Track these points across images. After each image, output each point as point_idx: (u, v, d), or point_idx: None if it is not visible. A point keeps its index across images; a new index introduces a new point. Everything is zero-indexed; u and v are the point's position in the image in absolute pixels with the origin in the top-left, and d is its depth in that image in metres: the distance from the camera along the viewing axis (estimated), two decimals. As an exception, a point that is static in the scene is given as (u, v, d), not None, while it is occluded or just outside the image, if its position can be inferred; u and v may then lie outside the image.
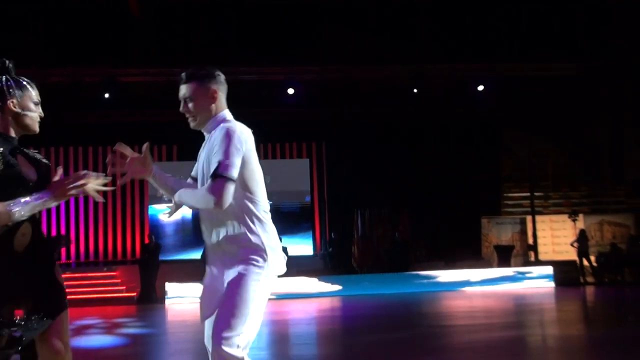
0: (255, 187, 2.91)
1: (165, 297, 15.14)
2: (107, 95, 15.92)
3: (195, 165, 3.09)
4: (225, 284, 2.81)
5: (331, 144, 19.09)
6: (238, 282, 2.76)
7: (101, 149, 18.48)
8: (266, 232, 2.88)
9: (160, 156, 18.89)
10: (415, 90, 16.47)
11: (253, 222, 2.84)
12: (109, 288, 16.20)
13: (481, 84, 16.52)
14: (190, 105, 2.99)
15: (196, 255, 16.00)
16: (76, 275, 16.64)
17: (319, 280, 15.76)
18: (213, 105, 2.98)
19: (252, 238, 2.82)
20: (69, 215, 18.27)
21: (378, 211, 18.37)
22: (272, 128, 18.34)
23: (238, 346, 2.66)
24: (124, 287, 16.28)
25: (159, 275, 15.77)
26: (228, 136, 2.80)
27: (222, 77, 3.04)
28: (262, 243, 2.83)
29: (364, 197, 17.88)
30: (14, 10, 13.55)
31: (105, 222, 18.34)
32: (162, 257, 16.63)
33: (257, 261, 2.81)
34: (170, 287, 15.25)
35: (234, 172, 2.74)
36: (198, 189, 2.89)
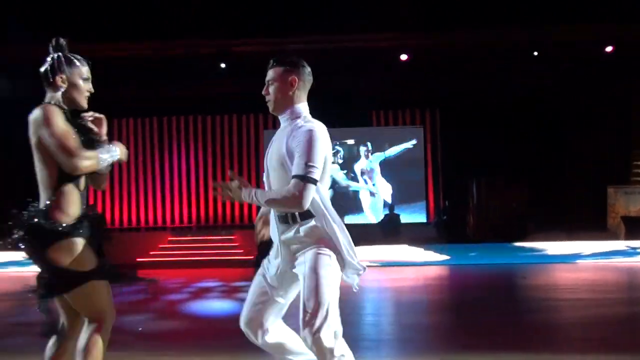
0: (324, 187, 3.01)
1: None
2: (223, 66, 16.39)
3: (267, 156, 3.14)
4: (302, 275, 2.93)
5: (446, 111, 18.65)
6: (317, 272, 2.89)
7: (219, 118, 19.16)
8: (341, 229, 3.04)
9: (275, 124, 19.27)
10: (535, 54, 15.67)
11: (323, 219, 2.95)
12: (228, 251, 16.86)
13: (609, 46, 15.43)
14: (270, 88, 3.11)
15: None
16: (197, 238, 17.51)
17: (426, 249, 15.55)
18: (290, 92, 3.04)
19: (323, 233, 2.95)
20: (189, 181, 19.12)
21: (494, 180, 17.78)
22: (384, 95, 18.21)
23: (335, 333, 2.82)
24: (242, 250, 16.88)
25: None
26: (314, 138, 2.87)
27: (307, 69, 3.12)
28: (336, 239, 2.98)
29: (480, 165, 17.36)
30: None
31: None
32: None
33: (329, 255, 2.94)
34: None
35: (317, 175, 2.84)
36: (280, 190, 2.93)
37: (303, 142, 2.86)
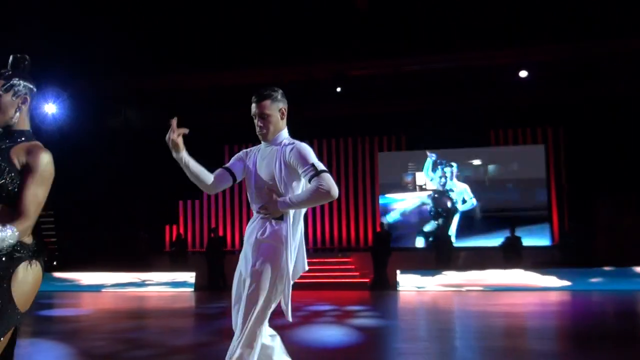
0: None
1: (397, 284, 15.42)
2: (338, 90, 16.60)
3: (245, 167, 3.53)
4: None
5: (570, 128, 17.81)
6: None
7: (334, 140, 19.38)
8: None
9: (389, 146, 19.24)
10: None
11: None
12: (344, 273, 16.90)
13: None
14: (264, 121, 3.45)
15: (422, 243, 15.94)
16: (313, 260, 17.67)
17: (546, 273, 14.81)
18: (282, 121, 3.45)
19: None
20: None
21: (625, 198, 16.65)
22: (503, 113, 17.70)
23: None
24: (358, 273, 16.87)
25: (391, 262, 16.07)
26: (302, 148, 3.31)
27: (283, 96, 3.48)
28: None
29: (608, 182, 16.36)
30: (247, 15, 14.60)
31: (340, 211, 19.16)
32: (394, 245, 16.97)
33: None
34: (403, 275, 15.51)
35: (323, 166, 3.25)
36: (307, 190, 3.26)
37: (298, 156, 3.25)
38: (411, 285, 15.37)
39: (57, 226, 19.89)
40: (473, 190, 18.28)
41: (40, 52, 15.21)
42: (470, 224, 18.11)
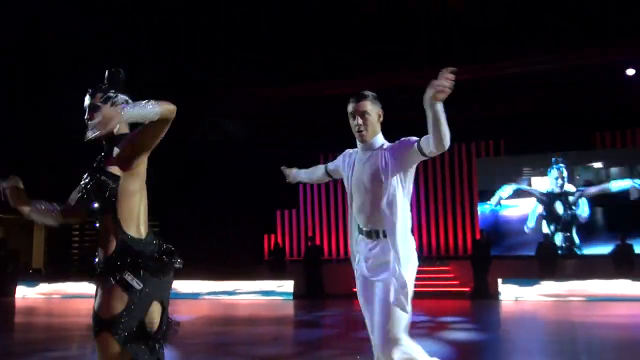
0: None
1: (499, 293, 14.96)
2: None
3: (356, 180, 3.43)
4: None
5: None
6: None
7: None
8: None
9: (487, 151, 18.75)
10: None
11: None
12: (443, 282, 16.58)
13: None
14: (364, 120, 3.42)
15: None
16: (412, 269, 17.46)
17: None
18: (378, 124, 3.45)
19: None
20: (403, 212, 19.21)
21: None
22: (609, 114, 16.86)
23: None
24: (458, 282, 16.50)
25: (493, 271, 15.61)
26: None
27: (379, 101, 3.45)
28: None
29: None
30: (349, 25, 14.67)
31: (437, 218, 18.84)
32: (496, 252, 16.51)
33: None
34: (505, 284, 15.04)
35: None
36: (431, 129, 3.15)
37: (403, 141, 3.32)
38: (513, 295, 14.85)
39: (163, 235, 20.75)
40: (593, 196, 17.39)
41: (142, 66, 15.98)
42: (589, 231, 17.25)
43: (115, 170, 2.72)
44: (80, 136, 2.86)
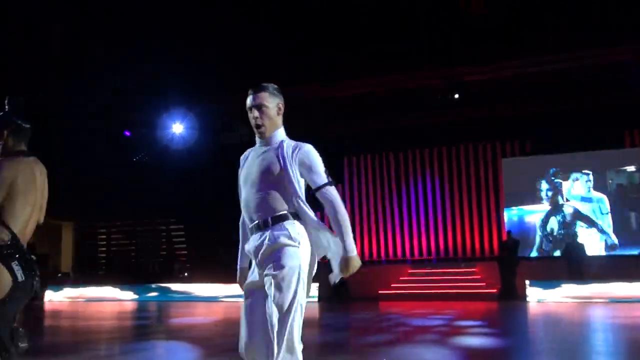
0: None
1: (526, 295, 14.79)
2: (456, 96, 16.29)
3: (245, 175, 3.12)
4: None
5: None
6: None
7: (454, 148, 18.96)
8: None
9: (513, 151, 18.54)
10: None
11: None
12: (469, 284, 16.42)
13: None
14: (261, 113, 3.10)
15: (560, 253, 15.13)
16: (437, 270, 17.37)
17: None
18: (278, 118, 3.14)
19: None
20: (427, 213, 19.09)
21: None
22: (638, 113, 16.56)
23: None
24: (484, 284, 16.33)
25: (520, 272, 15.43)
26: (315, 151, 3.08)
27: (281, 93, 3.17)
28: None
29: None
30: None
31: (462, 219, 18.68)
32: (523, 254, 16.32)
33: None
34: (532, 285, 14.86)
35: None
36: (335, 214, 3.01)
37: (312, 157, 3.03)
38: (541, 296, 14.66)
39: (187, 239, 20.90)
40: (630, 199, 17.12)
41: (166, 73, 16.10)
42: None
43: None
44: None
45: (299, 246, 2.92)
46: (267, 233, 2.93)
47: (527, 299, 14.68)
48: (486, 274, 16.55)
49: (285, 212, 2.97)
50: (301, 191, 3.02)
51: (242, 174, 3.16)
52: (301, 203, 3.00)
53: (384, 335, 9.03)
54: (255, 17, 14.82)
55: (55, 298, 18.70)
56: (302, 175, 3.02)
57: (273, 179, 2.99)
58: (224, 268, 18.45)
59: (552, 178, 17.75)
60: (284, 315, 2.77)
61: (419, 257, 18.92)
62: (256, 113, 3.09)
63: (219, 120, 18.83)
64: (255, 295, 2.95)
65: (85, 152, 20.53)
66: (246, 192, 3.08)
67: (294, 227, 2.95)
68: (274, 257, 2.87)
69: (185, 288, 17.93)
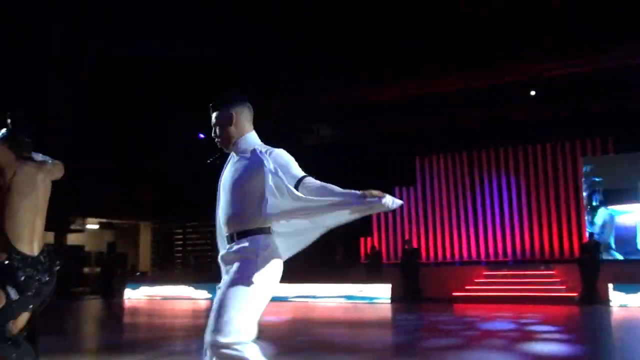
0: None
1: (609, 299, 14.15)
2: (533, 93, 15.81)
3: (222, 183, 3.14)
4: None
5: None
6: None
7: (530, 147, 18.40)
8: None
9: (594, 150, 17.78)
10: None
11: None
12: (548, 287, 15.87)
13: None
14: (215, 128, 3.16)
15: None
16: (514, 272, 16.88)
17: None
18: (232, 127, 3.10)
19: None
20: (503, 213, 18.59)
21: None
22: None
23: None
24: (564, 287, 15.74)
25: (603, 275, 14.78)
26: (287, 153, 3.03)
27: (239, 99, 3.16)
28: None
29: None
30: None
31: (540, 220, 18.08)
32: (606, 257, 15.64)
33: None
34: (615, 289, 14.21)
35: None
36: (324, 185, 2.94)
37: (287, 156, 3.01)
38: (624, 301, 13.99)
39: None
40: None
41: (238, 75, 16.35)
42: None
43: None
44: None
45: (257, 258, 2.96)
46: (234, 245, 3.01)
47: (610, 303, 14.05)
48: (566, 276, 15.93)
49: (248, 227, 3.00)
50: (269, 199, 2.93)
51: (220, 180, 3.19)
52: (268, 211, 2.93)
53: (454, 338, 8.82)
54: (337, 20, 14.86)
55: (133, 296, 19.29)
56: (278, 176, 2.93)
57: (242, 190, 3.01)
58: (293, 269, 18.63)
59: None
60: (223, 300, 2.90)
61: (494, 259, 18.44)
62: (214, 131, 3.17)
63: (298, 120, 18.99)
64: None
65: (164, 154, 21.13)
66: (221, 201, 3.13)
67: (254, 241, 2.98)
68: (233, 267, 2.98)
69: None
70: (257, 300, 2.98)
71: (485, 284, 16.74)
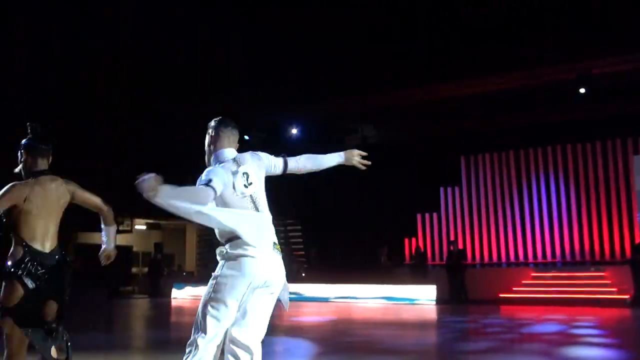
0: None
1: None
2: (582, 91, 15.45)
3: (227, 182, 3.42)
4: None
5: None
6: None
7: (580, 145, 17.98)
8: None
9: (646, 148, 17.26)
10: None
11: None
12: (598, 289, 15.48)
13: None
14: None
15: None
16: (563, 274, 16.52)
17: None
18: (212, 145, 3.56)
19: None
20: (551, 214, 18.21)
21: None
22: None
23: None
24: (615, 289, 15.32)
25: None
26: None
27: (221, 122, 3.58)
28: None
29: None
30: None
31: (590, 220, 17.64)
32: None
33: None
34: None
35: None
36: (304, 156, 3.73)
37: (261, 156, 3.59)
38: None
39: (305, 239, 21.23)
40: None
41: (285, 77, 16.44)
42: None
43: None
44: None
45: (223, 263, 3.39)
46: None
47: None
48: (617, 278, 15.50)
49: (219, 238, 3.51)
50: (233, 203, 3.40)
51: None
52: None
53: (500, 341, 8.67)
54: (382, 20, 14.83)
55: (179, 296, 19.58)
56: (266, 170, 3.56)
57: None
58: (337, 269, 18.61)
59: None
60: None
61: (542, 260, 18.08)
62: None
63: (341, 121, 19.02)
64: None
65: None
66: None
67: (220, 249, 3.46)
68: None
69: (297, 289, 18.15)
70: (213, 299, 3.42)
71: (533, 286, 16.43)
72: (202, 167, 3.54)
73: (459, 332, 10.01)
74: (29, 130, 3.90)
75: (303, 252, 21.92)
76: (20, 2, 17.76)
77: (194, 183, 3.33)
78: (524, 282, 16.64)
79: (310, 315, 13.30)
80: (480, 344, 8.41)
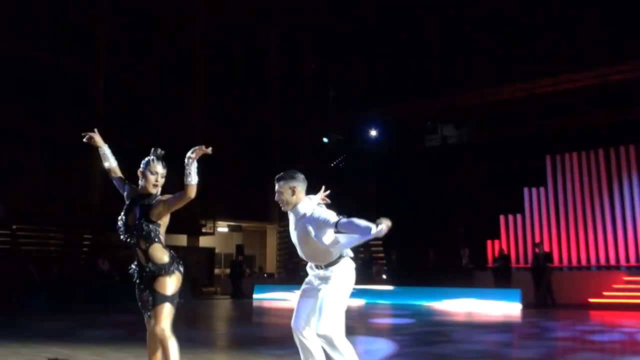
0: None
1: None
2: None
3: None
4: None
5: None
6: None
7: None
8: None
9: None
10: None
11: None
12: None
13: None
14: (279, 197, 4.32)
15: None
16: (633, 278, 15.80)
17: None
18: (294, 197, 4.25)
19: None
20: (625, 216, 17.33)
21: None
22: None
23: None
24: None
25: None
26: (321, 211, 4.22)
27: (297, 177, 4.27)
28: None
29: None
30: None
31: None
32: None
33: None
34: None
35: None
36: (354, 223, 3.96)
37: (320, 216, 4.11)
38: None
39: (384, 243, 21.08)
40: None
41: (363, 84, 16.42)
42: None
43: (154, 217, 4.07)
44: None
45: (335, 278, 4.32)
46: (320, 271, 4.38)
47: None
48: None
49: (323, 262, 4.32)
50: (324, 242, 4.19)
51: (290, 232, 4.48)
52: (331, 248, 4.25)
53: (597, 350, 8.27)
54: (465, 21, 14.61)
55: (260, 296, 19.85)
56: (318, 225, 4.14)
57: (305, 243, 4.29)
58: (419, 271, 18.36)
59: None
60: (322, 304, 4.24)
61: (635, 264, 17.22)
62: (277, 197, 4.31)
63: (420, 122, 18.84)
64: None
65: (289, 158, 21.62)
66: (297, 246, 4.43)
67: (329, 269, 4.32)
68: (324, 284, 4.34)
69: (376, 290, 18.03)
70: (341, 303, 4.22)
71: (625, 290, 15.69)
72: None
73: (549, 339, 9.64)
74: (152, 152, 4.24)
75: (383, 255, 21.80)
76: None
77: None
78: (615, 286, 15.91)
79: (394, 317, 13.19)
80: (573, 353, 8.07)
